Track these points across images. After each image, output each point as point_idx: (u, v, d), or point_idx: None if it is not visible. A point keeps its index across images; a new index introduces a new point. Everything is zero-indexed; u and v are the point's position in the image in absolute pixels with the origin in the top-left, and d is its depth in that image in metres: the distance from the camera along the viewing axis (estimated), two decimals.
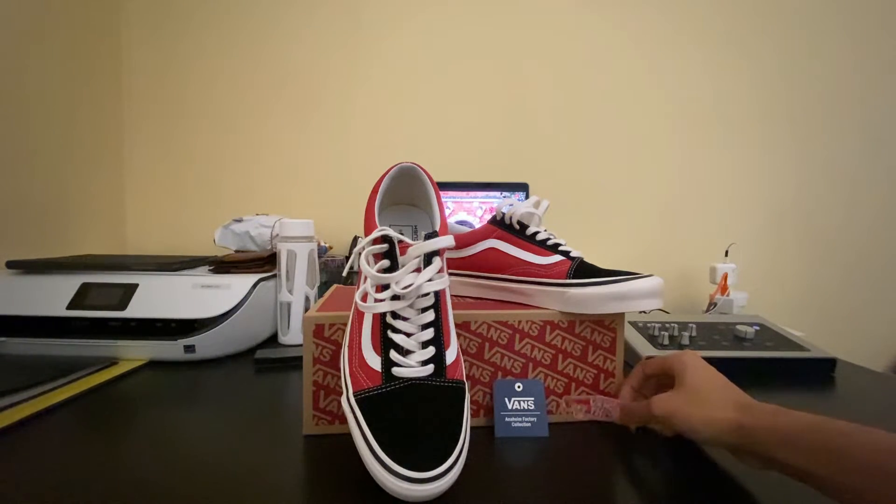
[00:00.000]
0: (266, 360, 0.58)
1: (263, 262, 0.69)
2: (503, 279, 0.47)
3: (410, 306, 0.33)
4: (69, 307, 0.57)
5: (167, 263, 0.65)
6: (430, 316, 0.34)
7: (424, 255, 0.34)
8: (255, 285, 0.63)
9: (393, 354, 0.32)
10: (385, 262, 0.34)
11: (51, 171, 0.79)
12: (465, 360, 0.41)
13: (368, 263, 0.34)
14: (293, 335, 0.65)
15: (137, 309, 0.57)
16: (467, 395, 0.33)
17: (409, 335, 0.33)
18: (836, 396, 0.51)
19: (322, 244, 0.81)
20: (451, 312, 0.37)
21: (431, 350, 0.32)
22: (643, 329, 0.66)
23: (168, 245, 0.98)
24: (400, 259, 0.34)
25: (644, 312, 0.72)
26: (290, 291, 0.65)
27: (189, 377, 0.53)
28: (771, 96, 1.01)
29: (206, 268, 0.68)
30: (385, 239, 0.34)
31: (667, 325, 0.65)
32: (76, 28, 0.84)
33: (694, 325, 0.66)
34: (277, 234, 0.75)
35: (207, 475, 0.33)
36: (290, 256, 0.65)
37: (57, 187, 0.80)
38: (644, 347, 0.59)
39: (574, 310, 0.41)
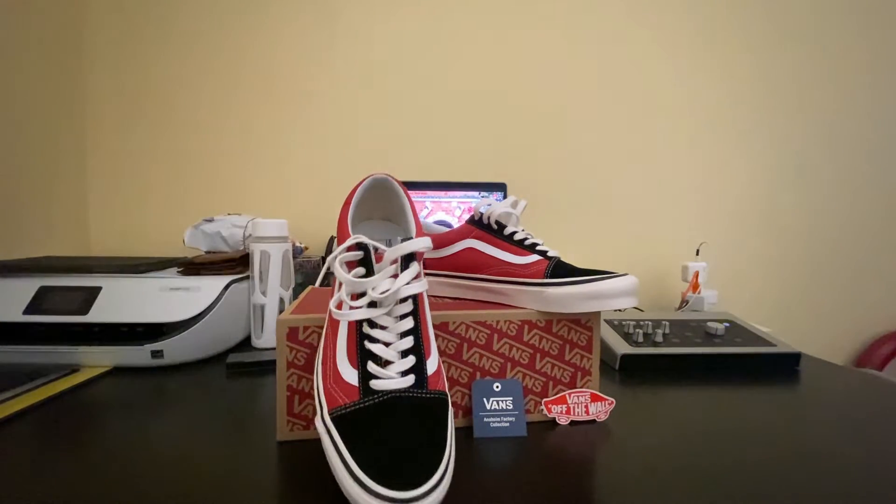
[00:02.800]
0: (238, 365, 0.56)
1: (235, 264, 0.67)
2: (481, 279, 0.47)
3: (388, 314, 0.32)
4: (26, 312, 0.54)
5: (133, 265, 0.62)
6: (408, 323, 0.32)
7: (401, 258, 0.33)
8: (226, 287, 0.61)
9: (371, 366, 0.30)
10: (360, 270, 0.33)
11: (7, 168, 0.75)
12: (443, 361, 0.41)
13: (343, 270, 0.33)
14: (267, 338, 0.63)
15: (100, 313, 0.55)
16: (450, 408, 0.32)
17: (387, 344, 0.31)
18: (801, 389, 0.53)
19: (297, 245, 0.80)
20: (430, 320, 0.36)
21: (411, 360, 0.31)
22: (618, 327, 0.67)
23: (135, 246, 0.94)
24: (376, 266, 0.33)
25: (620, 311, 0.74)
26: (264, 293, 0.63)
27: (157, 384, 0.51)
28: (740, 99, 1.04)
29: (175, 269, 0.66)
30: (360, 246, 0.33)
31: (641, 323, 0.67)
32: (36, 24, 0.80)
33: (667, 323, 0.68)
34: (250, 235, 0.73)
35: (177, 486, 0.31)
36: (263, 257, 0.63)
37: (14, 186, 0.76)
38: (620, 345, 0.60)
39: (551, 309, 0.42)
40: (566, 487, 0.32)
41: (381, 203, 0.43)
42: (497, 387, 0.41)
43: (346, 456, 0.26)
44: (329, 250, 0.87)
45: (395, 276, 0.33)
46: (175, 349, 0.55)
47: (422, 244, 0.32)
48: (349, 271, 0.33)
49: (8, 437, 0.38)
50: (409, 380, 0.30)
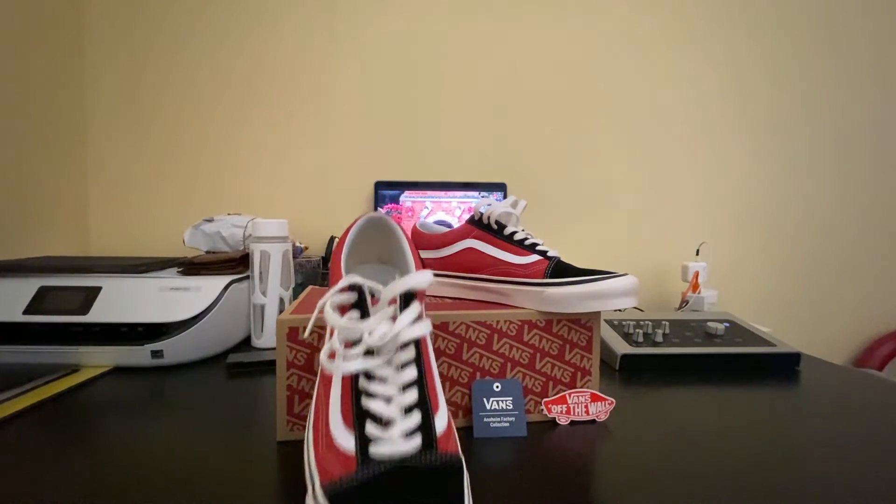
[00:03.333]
0: (238, 365, 0.56)
1: (235, 264, 0.67)
2: (481, 279, 0.47)
3: (388, 363, 0.27)
4: (26, 312, 0.54)
5: (133, 265, 0.62)
6: (411, 373, 0.28)
7: (400, 297, 0.29)
8: (226, 287, 0.61)
9: (370, 428, 0.25)
10: (354, 314, 0.29)
11: (7, 168, 0.75)
12: (443, 361, 0.41)
13: (335, 314, 0.29)
14: (267, 338, 0.63)
15: (100, 313, 0.55)
16: (466, 474, 0.27)
17: (388, 400, 0.27)
18: (801, 389, 0.53)
19: (297, 245, 0.80)
20: (435, 369, 0.31)
21: (417, 417, 0.26)
22: (618, 327, 0.67)
23: (134, 246, 0.94)
24: (372, 310, 0.29)
25: (620, 311, 0.74)
26: (264, 293, 0.63)
27: (157, 384, 0.51)
28: (740, 99, 1.04)
29: (175, 269, 0.66)
30: (353, 288, 0.29)
31: (641, 323, 0.67)
32: (37, 24, 0.80)
33: (667, 323, 0.68)
34: (250, 235, 0.73)
35: (177, 485, 0.31)
36: (263, 257, 0.63)
37: (14, 185, 0.76)
38: (619, 345, 0.60)
39: (551, 309, 0.42)
40: (566, 487, 0.32)
41: (376, 244, 0.40)
42: (497, 387, 0.41)
43: None
44: (329, 250, 0.87)
45: (394, 318, 0.28)
46: (175, 349, 0.55)
47: (423, 280, 0.28)
48: (342, 316, 0.29)
49: (8, 437, 0.38)
50: (416, 442, 0.25)
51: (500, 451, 0.37)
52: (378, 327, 0.27)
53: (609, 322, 0.69)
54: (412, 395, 0.27)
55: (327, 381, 0.29)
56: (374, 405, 0.26)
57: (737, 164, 1.05)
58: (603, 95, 1.02)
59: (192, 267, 0.65)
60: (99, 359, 0.55)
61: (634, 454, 0.37)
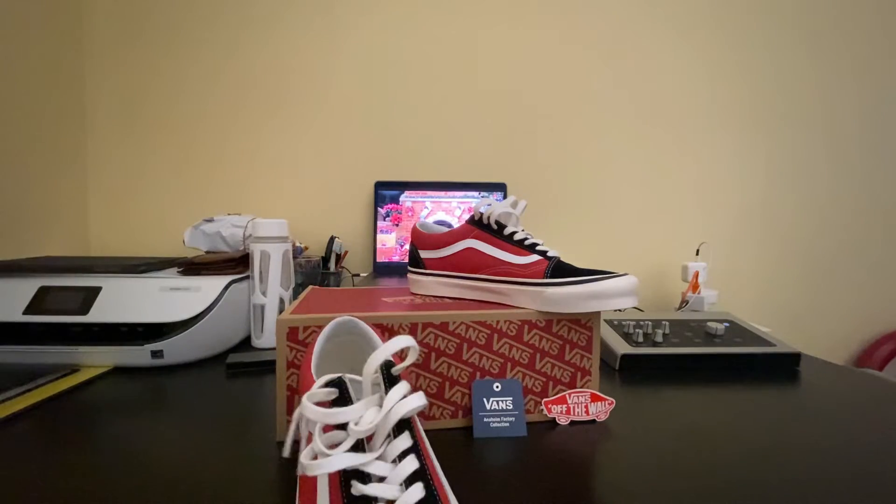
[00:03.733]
0: (238, 365, 0.56)
1: (235, 264, 0.67)
2: (481, 279, 0.47)
3: (381, 457, 0.23)
4: (26, 312, 0.54)
5: (133, 265, 0.62)
6: (412, 464, 0.22)
7: (382, 373, 0.25)
8: (226, 287, 0.61)
9: None
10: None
11: (8, 168, 0.75)
12: (443, 361, 0.41)
13: (313, 408, 0.24)
14: (267, 338, 0.63)
15: (100, 313, 0.55)
16: None
17: (391, 503, 0.21)
18: (801, 389, 0.53)
19: (297, 245, 0.80)
20: (434, 458, 0.26)
21: None
22: (618, 327, 0.67)
23: (135, 247, 0.94)
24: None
25: (620, 311, 0.74)
26: (264, 293, 0.63)
27: (157, 384, 0.51)
28: (741, 99, 1.04)
29: (175, 270, 0.66)
30: (333, 384, 0.25)
31: (641, 323, 0.67)
32: (37, 25, 0.80)
33: (667, 323, 0.68)
34: (250, 235, 0.73)
35: (177, 485, 0.31)
36: (263, 257, 0.63)
37: (14, 185, 0.76)
38: (619, 345, 0.60)
39: (551, 309, 0.42)
40: (566, 487, 0.32)
41: (347, 353, 0.36)
42: (497, 387, 0.41)
43: None
44: (329, 250, 0.87)
45: (380, 404, 0.24)
46: (175, 349, 0.55)
47: (404, 343, 0.25)
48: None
49: (8, 437, 0.38)
50: None
51: (500, 451, 0.37)
52: (366, 412, 0.23)
53: (609, 322, 0.69)
54: (418, 492, 0.22)
55: (310, 489, 0.24)
56: None
57: (737, 164, 1.05)
58: (603, 95, 1.02)
59: (192, 267, 0.65)
60: (99, 359, 0.55)
61: (634, 454, 0.37)
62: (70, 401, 0.46)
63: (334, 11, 0.95)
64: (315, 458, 0.22)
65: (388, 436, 0.23)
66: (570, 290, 0.41)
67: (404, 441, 0.23)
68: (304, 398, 0.24)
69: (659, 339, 0.62)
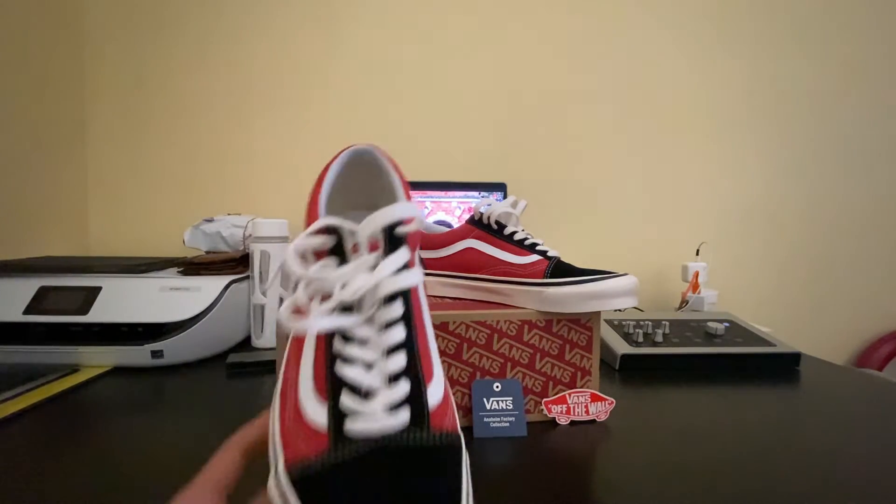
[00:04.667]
0: (238, 365, 0.56)
1: (236, 264, 0.67)
2: (481, 279, 0.47)
3: (368, 321, 0.22)
4: (26, 312, 0.54)
5: (133, 265, 0.62)
6: (398, 334, 0.22)
7: (383, 237, 0.23)
8: (226, 287, 0.61)
9: (346, 399, 0.20)
10: (330, 262, 0.23)
11: (7, 168, 0.75)
12: (442, 361, 0.41)
13: (298, 262, 0.23)
14: (267, 338, 0.63)
15: (100, 313, 0.55)
16: (465, 458, 0.22)
17: (368, 366, 0.21)
18: (801, 389, 0.53)
19: None
20: (430, 328, 0.25)
21: (404, 387, 0.21)
22: (618, 327, 0.67)
23: (135, 247, 0.94)
24: (352, 258, 0.23)
25: (620, 311, 0.74)
26: (264, 294, 0.63)
27: (157, 384, 0.51)
28: (741, 100, 1.04)
29: (175, 269, 0.66)
30: (329, 230, 0.23)
31: (641, 323, 0.67)
32: (36, 23, 0.80)
33: (667, 323, 0.68)
34: (250, 235, 0.73)
35: (177, 486, 0.31)
36: (263, 257, 0.63)
37: (14, 185, 0.76)
38: (619, 345, 0.60)
39: (551, 309, 0.42)
40: (566, 487, 0.32)
41: (364, 185, 0.32)
42: (497, 387, 0.41)
43: None
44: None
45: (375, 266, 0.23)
46: (175, 349, 0.55)
47: (406, 211, 0.23)
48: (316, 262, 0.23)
49: (8, 437, 0.38)
50: (403, 417, 0.20)
51: (500, 451, 0.37)
52: (354, 278, 0.22)
53: (609, 322, 0.69)
54: (399, 361, 0.21)
55: (299, 342, 0.23)
56: (351, 372, 0.21)
57: (737, 164, 1.05)
58: (604, 95, 1.02)
59: (192, 267, 0.65)
60: (99, 359, 0.55)
61: (634, 454, 0.37)
62: (70, 401, 0.46)
63: (334, 11, 0.95)
64: (297, 311, 0.22)
65: (379, 301, 0.22)
66: (571, 290, 0.41)
67: (395, 310, 0.22)
68: (291, 247, 0.23)
69: (659, 339, 0.62)
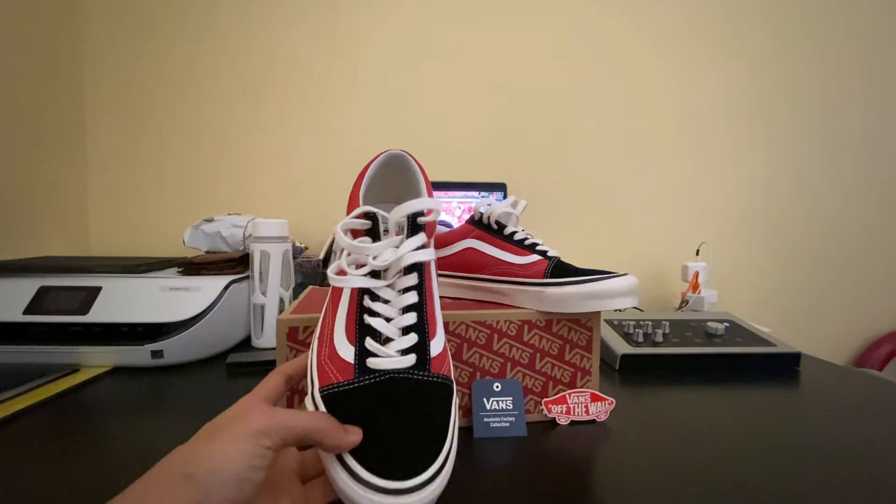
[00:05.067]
0: (238, 365, 0.56)
1: (235, 264, 0.67)
2: (482, 279, 0.47)
3: (390, 286, 0.29)
4: (26, 312, 0.54)
5: (133, 265, 0.62)
6: (412, 297, 0.29)
7: (408, 223, 0.30)
8: (226, 287, 0.61)
9: (369, 343, 0.27)
10: (366, 240, 0.31)
11: (7, 168, 0.75)
12: None
13: (346, 236, 0.30)
14: (267, 338, 0.63)
15: (100, 313, 0.55)
16: (455, 394, 0.29)
17: (388, 320, 0.28)
18: (801, 389, 0.53)
19: (297, 245, 0.80)
20: (437, 298, 0.33)
21: (413, 338, 0.28)
22: (618, 327, 0.67)
23: (135, 247, 0.94)
24: (383, 237, 0.31)
25: (620, 311, 0.73)
26: (264, 293, 0.63)
27: (157, 383, 0.51)
28: (741, 100, 1.04)
29: (175, 269, 0.66)
30: (367, 216, 0.31)
31: (641, 323, 0.67)
32: (36, 24, 0.80)
33: (667, 323, 0.68)
34: (250, 235, 0.73)
35: None
36: (263, 257, 0.63)
37: (14, 185, 0.76)
38: (619, 345, 0.60)
39: (551, 309, 0.42)
40: (566, 487, 0.32)
41: (395, 184, 0.40)
42: (497, 387, 0.41)
43: None
44: (330, 250, 0.87)
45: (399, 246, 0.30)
46: (175, 349, 0.55)
47: (427, 204, 0.30)
48: (354, 239, 0.31)
49: (8, 437, 0.38)
50: (410, 360, 0.27)
51: (500, 451, 0.37)
52: (384, 252, 0.29)
53: (609, 322, 0.69)
54: (411, 318, 0.29)
55: (336, 298, 0.31)
56: (374, 323, 0.28)
57: (737, 164, 1.05)
58: (604, 95, 1.02)
59: (192, 267, 0.65)
60: (99, 359, 0.55)
61: (634, 454, 0.37)
62: (70, 401, 0.46)
63: (334, 11, 0.95)
64: (340, 272, 0.29)
65: (400, 271, 0.30)
66: (570, 290, 0.41)
67: (411, 279, 0.30)
68: (339, 226, 0.30)
69: (659, 339, 0.62)
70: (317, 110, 0.97)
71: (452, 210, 0.92)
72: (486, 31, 0.98)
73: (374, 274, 0.29)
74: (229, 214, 0.79)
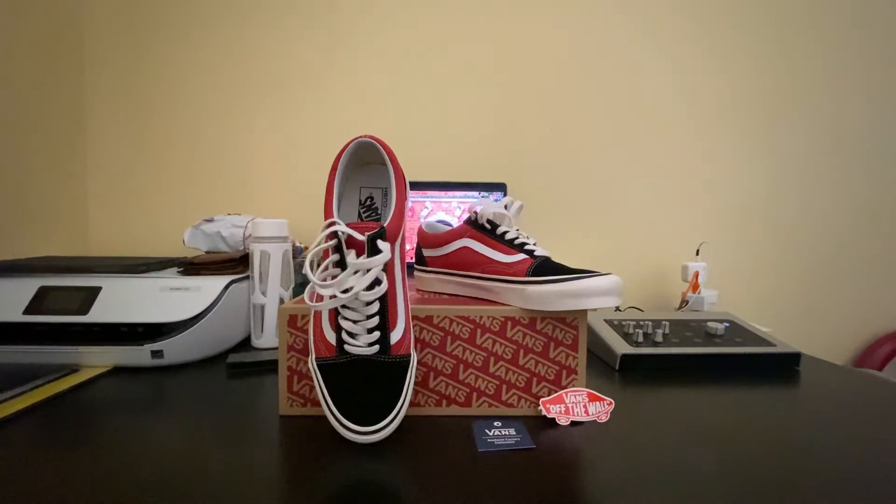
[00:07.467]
0: (239, 365, 0.56)
1: (236, 264, 0.67)
2: (475, 276, 0.49)
3: (356, 299, 0.37)
4: (26, 312, 0.54)
5: (133, 265, 0.62)
6: (374, 308, 0.38)
7: (368, 242, 0.37)
8: (226, 287, 0.61)
9: (344, 335, 0.37)
10: (335, 258, 0.38)
11: (7, 168, 0.75)
12: (427, 352, 0.44)
13: (313, 267, 0.39)
14: (267, 338, 0.63)
15: (100, 313, 0.55)
16: (412, 364, 0.39)
17: (356, 322, 0.38)
18: (801, 389, 0.53)
19: (297, 245, 0.80)
20: (401, 290, 0.41)
21: (376, 334, 0.38)
22: (618, 327, 0.67)
23: (135, 247, 0.94)
24: (346, 253, 0.37)
25: (619, 310, 0.74)
26: (264, 293, 0.63)
27: (157, 384, 0.51)
28: (741, 100, 1.04)
29: (175, 269, 0.66)
30: (332, 236, 0.38)
31: (641, 323, 0.67)
32: (36, 22, 0.80)
33: (667, 323, 0.68)
34: (250, 235, 0.73)
35: (177, 486, 0.32)
36: (263, 257, 0.63)
37: (14, 185, 0.76)
38: (619, 345, 0.60)
39: (533, 306, 0.42)
40: (566, 487, 0.32)
41: (370, 155, 0.46)
42: (497, 424, 0.42)
43: (325, 395, 0.37)
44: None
45: (368, 270, 0.37)
46: (175, 349, 0.55)
47: (379, 261, 0.37)
48: (325, 259, 0.39)
49: (8, 437, 0.38)
50: (375, 348, 0.37)
51: (499, 451, 0.37)
52: (346, 280, 0.36)
53: (609, 322, 0.69)
54: (374, 321, 0.38)
55: (319, 312, 0.40)
56: (346, 325, 0.38)
57: (737, 164, 1.05)
58: (603, 95, 1.02)
59: (192, 267, 0.65)
60: (99, 359, 0.55)
61: (634, 454, 0.37)
62: (70, 401, 0.46)
63: (335, 11, 0.95)
64: (312, 297, 0.39)
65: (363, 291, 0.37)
66: (549, 289, 0.41)
67: (374, 294, 0.37)
68: (307, 260, 0.38)
69: (659, 339, 0.62)
70: (317, 110, 0.97)
71: (452, 210, 0.92)
72: (487, 31, 0.98)
73: (344, 290, 0.37)
74: (229, 214, 0.79)
